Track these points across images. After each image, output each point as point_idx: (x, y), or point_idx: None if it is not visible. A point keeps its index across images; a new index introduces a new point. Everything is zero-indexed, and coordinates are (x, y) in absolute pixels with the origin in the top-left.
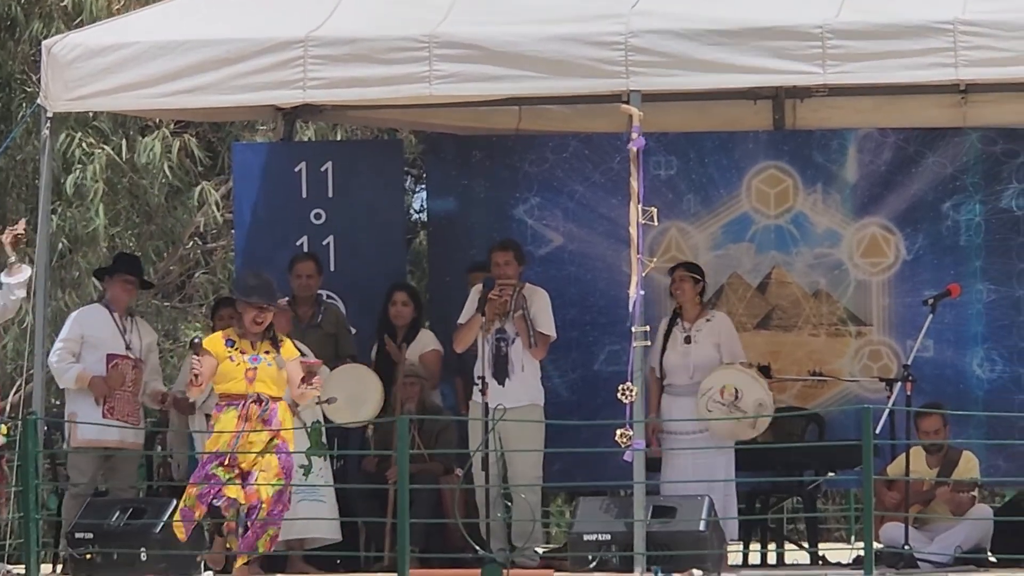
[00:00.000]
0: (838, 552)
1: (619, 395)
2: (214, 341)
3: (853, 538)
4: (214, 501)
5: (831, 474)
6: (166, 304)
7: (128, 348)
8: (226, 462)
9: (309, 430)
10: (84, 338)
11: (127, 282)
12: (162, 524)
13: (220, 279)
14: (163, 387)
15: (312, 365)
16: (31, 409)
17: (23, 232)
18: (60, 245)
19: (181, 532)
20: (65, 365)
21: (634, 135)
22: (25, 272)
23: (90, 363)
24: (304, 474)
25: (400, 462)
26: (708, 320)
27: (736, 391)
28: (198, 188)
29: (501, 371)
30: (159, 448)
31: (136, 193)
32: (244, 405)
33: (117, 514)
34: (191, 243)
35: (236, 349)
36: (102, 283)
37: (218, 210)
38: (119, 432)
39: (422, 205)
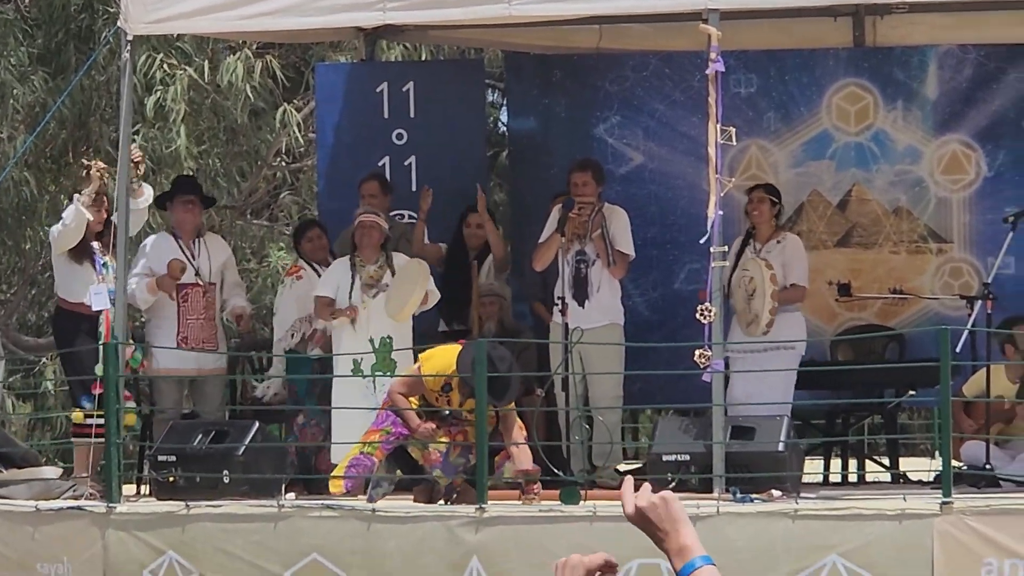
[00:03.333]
0: (921, 472)
1: (697, 315)
2: (433, 379)
3: (937, 453)
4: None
5: (911, 393)
6: (253, 223)
7: (197, 274)
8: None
9: (377, 347)
10: (152, 271)
11: (187, 202)
12: (244, 447)
13: (306, 199)
14: (244, 303)
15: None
16: (113, 334)
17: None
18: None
19: (339, 486)
20: (136, 291)
21: (712, 55)
22: (147, 191)
23: (160, 294)
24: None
25: (478, 383)
26: (778, 242)
27: (755, 291)
28: (280, 109)
29: (581, 292)
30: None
31: (219, 113)
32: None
33: (200, 437)
34: (278, 161)
35: (446, 397)
36: (167, 210)
37: (300, 131)
38: (196, 359)
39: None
